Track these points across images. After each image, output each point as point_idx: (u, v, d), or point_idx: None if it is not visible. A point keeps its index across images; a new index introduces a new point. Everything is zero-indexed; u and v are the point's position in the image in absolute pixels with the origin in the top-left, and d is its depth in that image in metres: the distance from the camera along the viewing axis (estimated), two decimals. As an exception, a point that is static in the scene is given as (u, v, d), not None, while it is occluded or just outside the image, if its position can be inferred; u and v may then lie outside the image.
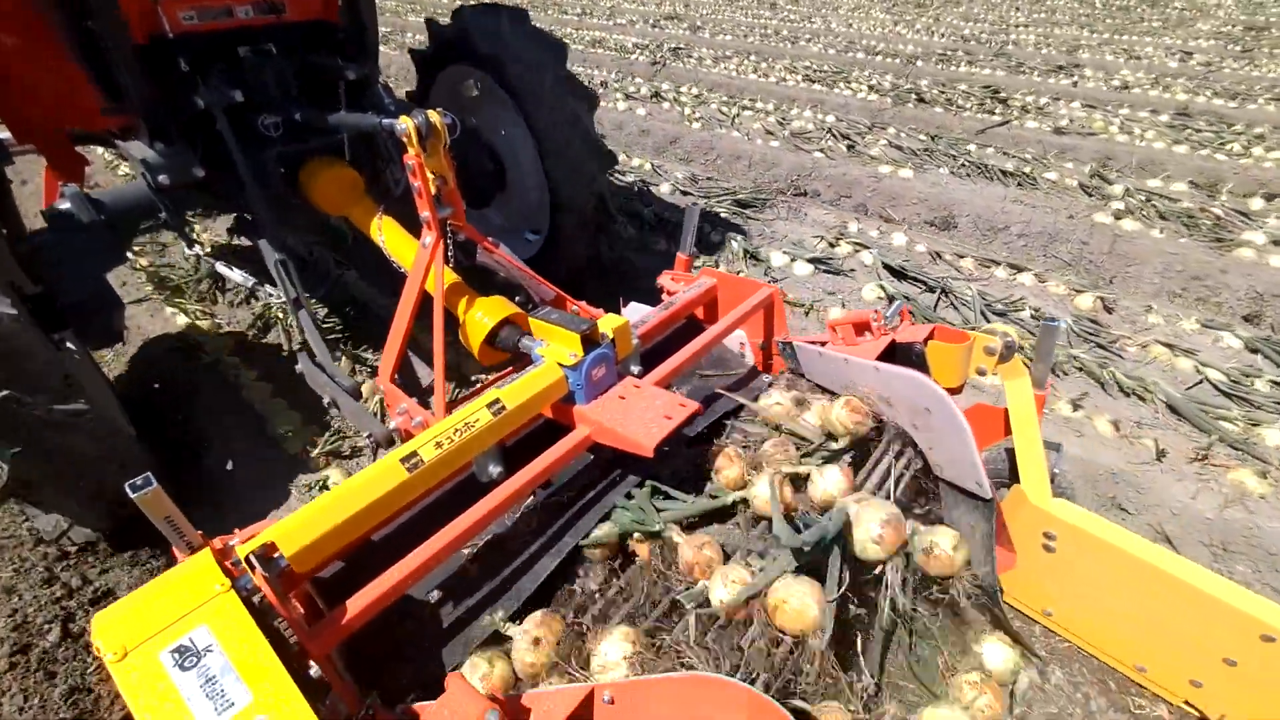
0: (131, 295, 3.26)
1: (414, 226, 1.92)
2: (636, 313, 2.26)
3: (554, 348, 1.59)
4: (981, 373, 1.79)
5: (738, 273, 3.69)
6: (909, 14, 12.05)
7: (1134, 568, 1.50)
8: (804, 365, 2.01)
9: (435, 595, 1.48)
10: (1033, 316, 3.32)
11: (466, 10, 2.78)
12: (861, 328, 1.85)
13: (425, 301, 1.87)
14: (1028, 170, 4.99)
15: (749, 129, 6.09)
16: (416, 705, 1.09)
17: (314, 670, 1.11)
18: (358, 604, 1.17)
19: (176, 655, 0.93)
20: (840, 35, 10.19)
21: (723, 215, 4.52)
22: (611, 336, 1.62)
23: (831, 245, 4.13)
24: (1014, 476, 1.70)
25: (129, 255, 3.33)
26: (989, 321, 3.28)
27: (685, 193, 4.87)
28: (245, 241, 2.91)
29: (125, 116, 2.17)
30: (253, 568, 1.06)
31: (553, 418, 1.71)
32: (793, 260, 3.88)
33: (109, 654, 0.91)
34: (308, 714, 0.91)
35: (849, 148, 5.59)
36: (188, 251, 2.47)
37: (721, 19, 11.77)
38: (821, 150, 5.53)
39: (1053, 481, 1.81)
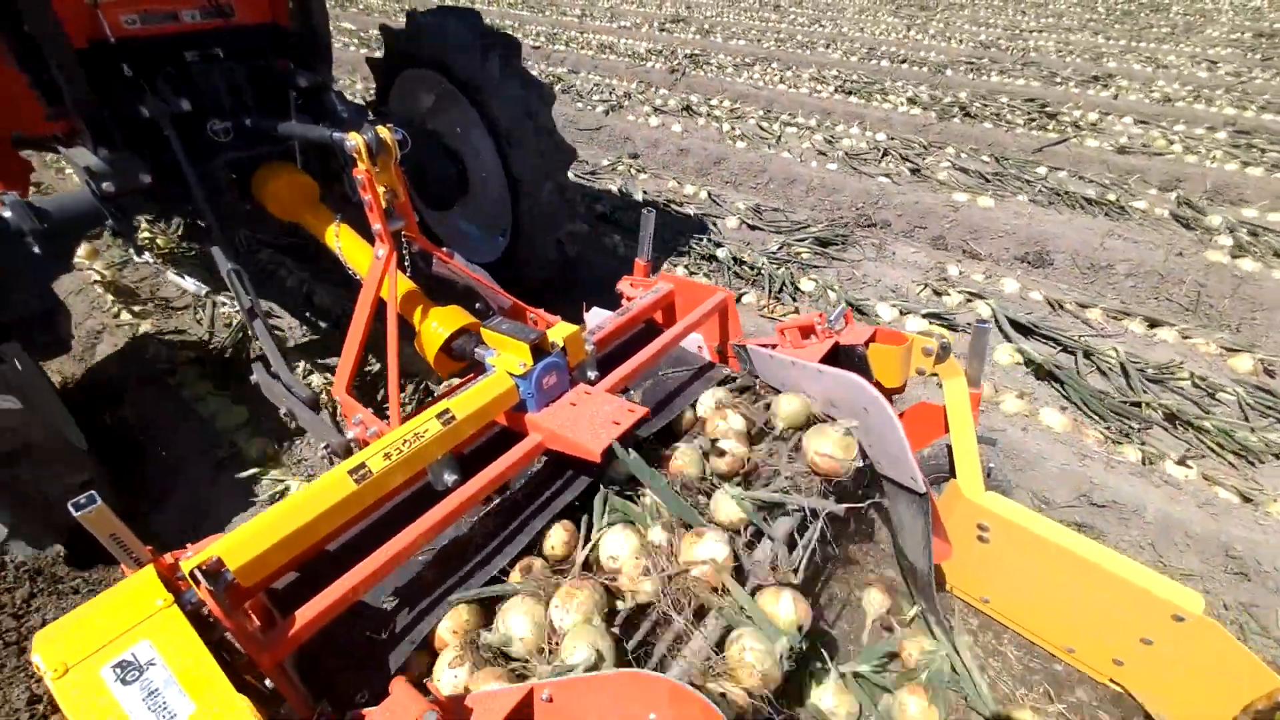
0: (87, 304, 3.20)
1: (371, 235, 1.93)
2: (598, 317, 2.30)
3: (505, 357, 1.62)
4: (921, 373, 1.87)
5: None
6: (918, 18, 11.88)
7: (1059, 556, 1.59)
8: (757, 367, 2.07)
9: (392, 602, 1.51)
10: (1194, 385, 2.93)
11: (417, 15, 2.78)
12: (807, 331, 1.91)
13: (383, 312, 1.89)
14: (1113, 198, 4.60)
15: (797, 148, 5.73)
16: (365, 710, 1.11)
17: (264, 681, 1.14)
18: (307, 614, 1.20)
19: (118, 670, 0.95)
20: (857, 41, 9.92)
21: (804, 256, 4.11)
22: (562, 345, 1.66)
23: (937, 294, 3.68)
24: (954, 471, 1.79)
25: (80, 263, 3.27)
26: (1145, 393, 2.87)
27: (754, 227, 4.48)
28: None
29: (67, 122, 2.13)
30: (197, 582, 1.07)
31: (507, 425, 1.75)
32: (903, 314, 3.42)
33: (49, 671, 0.92)
34: (250, 721, 0.93)
35: (913, 171, 5.22)
36: (137, 259, 2.43)
37: (728, 22, 11.45)
38: (887, 175, 5.14)
39: (989, 476, 1.90)
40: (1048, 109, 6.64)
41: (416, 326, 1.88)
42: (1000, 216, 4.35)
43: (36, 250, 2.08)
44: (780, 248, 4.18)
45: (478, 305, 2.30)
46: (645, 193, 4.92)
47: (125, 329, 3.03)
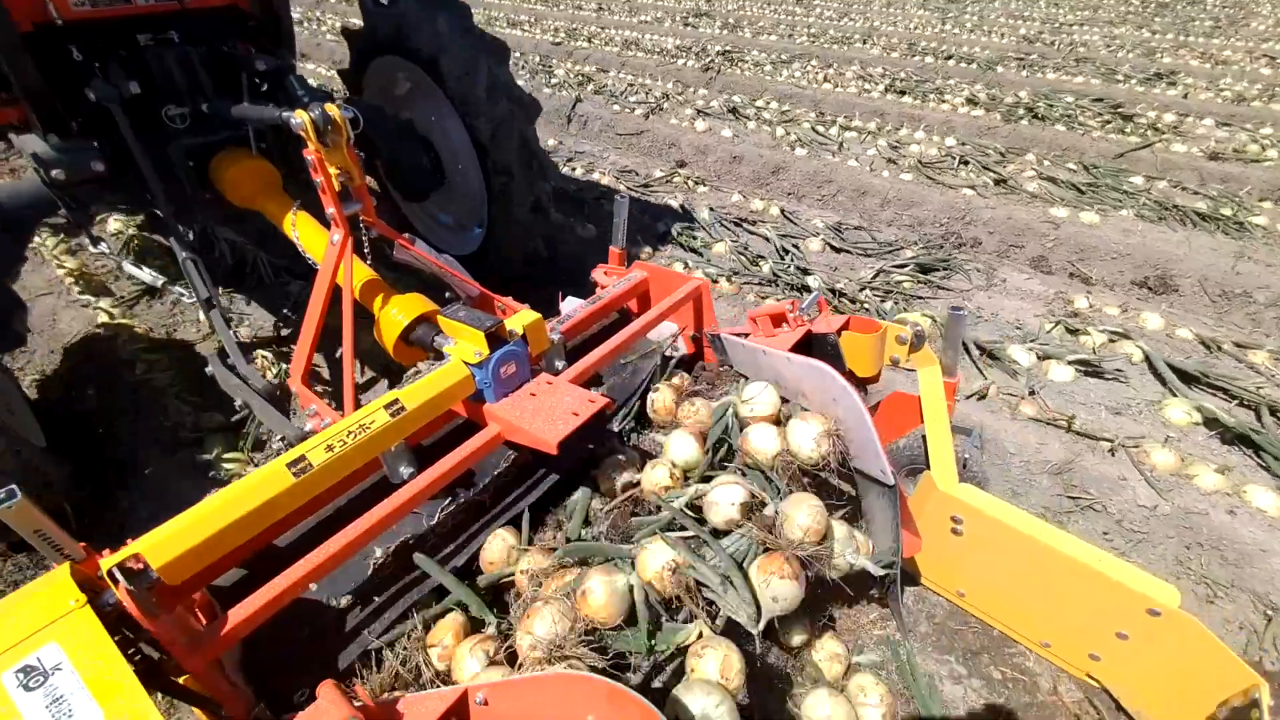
0: (51, 296, 3.13)
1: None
2: (571, 306, 2.25)
3: (461, 346, 1.56)
4: (895, 362, 1.82)
5: (986, 385, 2.79)
6: (950, 11, 11.27)
7: (1033, 548, 1.55)
8: (730, 356, 2.02)
9: (345, 600, 1.46)
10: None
11: (370, 4, 2.70)
12: (779, 319, 1.86)
13: (340, 300, 1.83)
14: (1228, 212, 4.09)
15: (862, 155, 5.27)
16: (297, 715, 1.06)
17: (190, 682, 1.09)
18: (240, 612, 1.14)
19: (21, 675, 0.89)
20: (893, 36, 9.37)
21: (905, 285, 3.62)
22: (522, 333, 1.60)
23: (1071, 332, 3.19)
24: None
25: (44, 255, 3.19)
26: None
27: (838, 249, 4.06)
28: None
29: (19, 109, 2.06)
30: (116, 581, 1.01)
31: (467, 417, 1.69)
32: (1042, 359, 2.94)
33: (-55, 677, 0.87)
34: (161, 729, 0.88)
35: (996, 181, 4.71)
36: (93, 249, 2.36)
37: (753, 16, 10.89)
38: (970, 186, 4.64)
39: (965, 467, 1.86)
40: (1121, 109, 6.10)
41: (376, 314, 1.82)
42: (1108, 235, 3.84)
43: None
44: (876, 275, 3.69)
45: (447, 295, 2.24)
46: (711, 209, 4.45)
47: (87, 320, 2.96)
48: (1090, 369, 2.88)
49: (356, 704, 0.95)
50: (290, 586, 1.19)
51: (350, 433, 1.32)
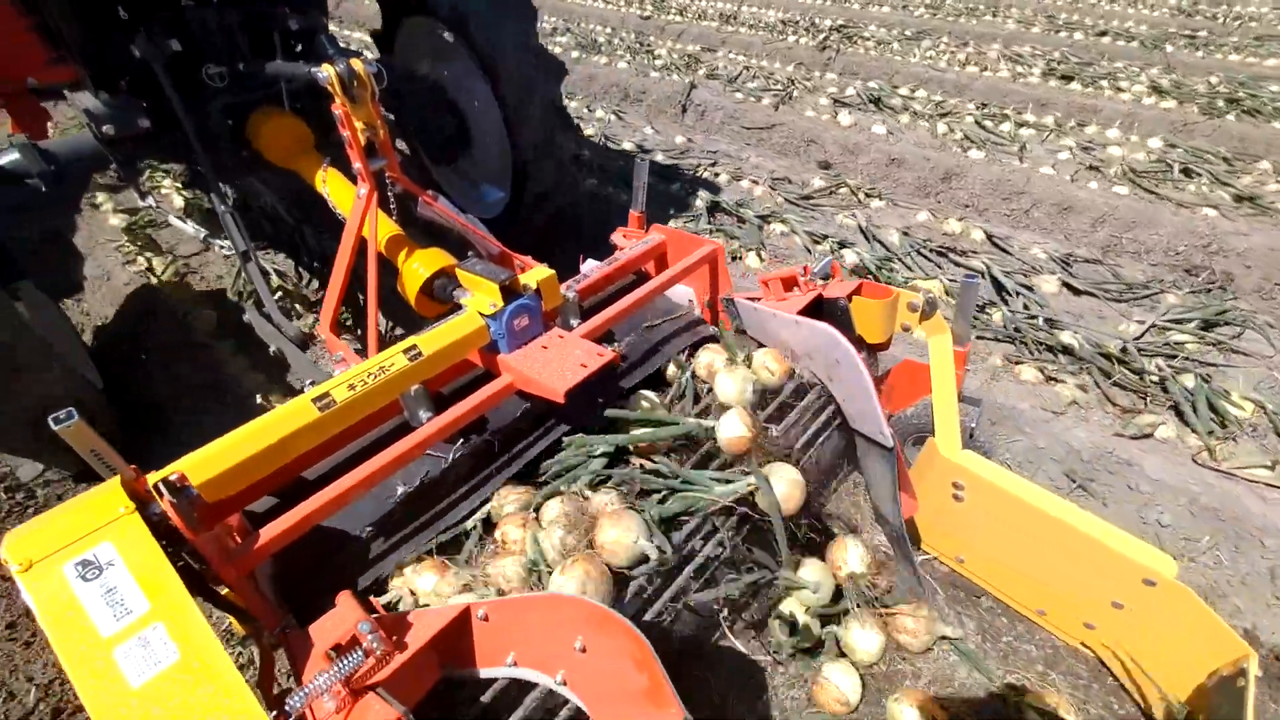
0: (104, 250, 3.32)
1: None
2: (591, 267, 2.29)
3: (477, 298, 1.63)
4: (906, 329, 1.82)
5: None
6: None
7: (1032, 516, 1.56)
8: (743, 320, 2.04)
9: (367, 531, 1.56)
10: None
11: None
12: (790, 283, 1.87)
13: (366, 251, 1.91)
14: None
15: (1051, 159, 4.48)
16: (318, 619, 1.17)
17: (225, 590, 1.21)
18: (271, 532, 1.25)
19: (80, 568, 1.01)
20: (1024, 7, 8.31)
21: (1188, 345, 2.82)
22: (535, 287, 1.65)
23: None
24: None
25: (93, 206, 3.37)
26: None
27: (1077, 290, 3.25)
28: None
29: (72, 69, 2.17)
30: (160, 494, 1.12)
31: (484, 367, 1.77)
32: None
33: (15, 565, 0.98)
34: (200, 622, 0.98)
35: (1237, 198, 3.83)
36: (141, 204, 2.49)
37: None
38: (1210, 205, 3.77)
39: (970, 436, 1.86)
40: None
41: (399, 267, 1.89)
42: None
43: (44, 190, 2.15)
44: (1146, 330, 2.91)
45: (469, 253, 2.31)
46: (905, 232, 3.73)
47: (136, 272, 3.14)
48: None
49: (371, 614, 1.04)
50: (316, 510, 1.29)
51: (371, 374, 1.40)
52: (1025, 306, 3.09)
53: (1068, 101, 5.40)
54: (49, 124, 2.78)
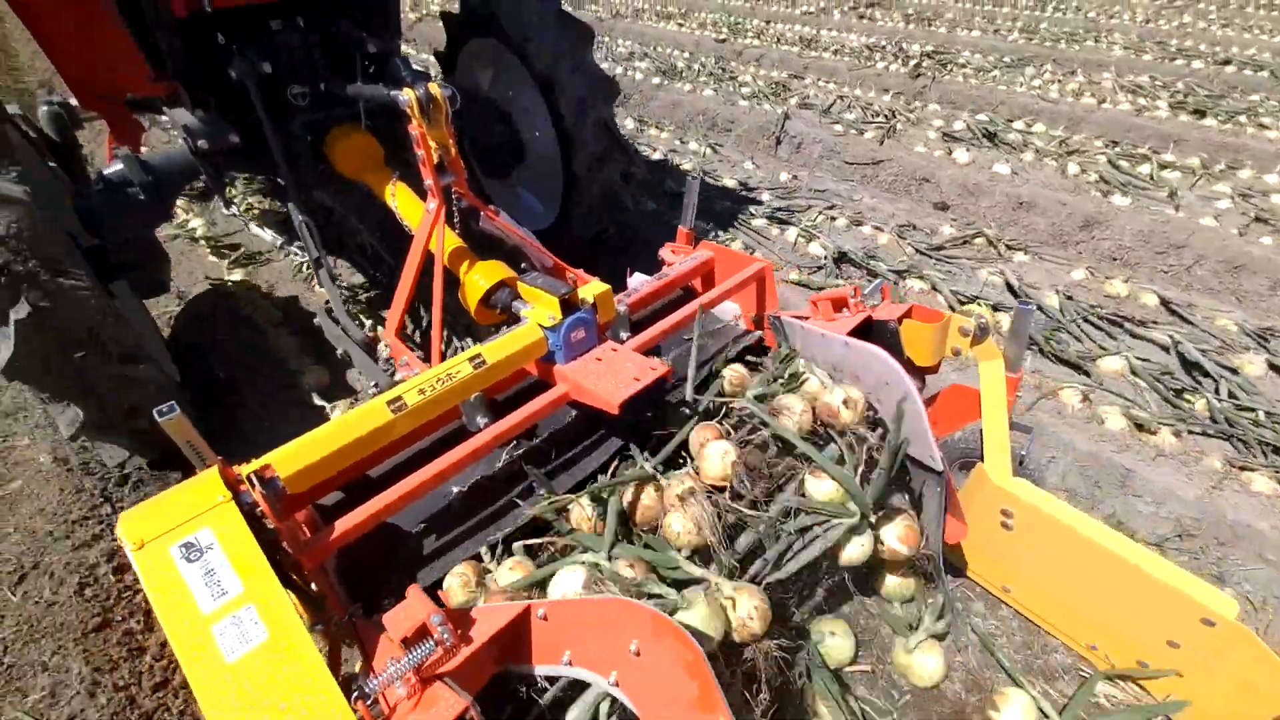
0: (180, 250, 3.56)
1: (424, 192, 2.05)
2: (639, 282, 2.36)
3: (537, 310, 1.71)
4: (956, 353, 1.82)
5: None
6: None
7: (1085, 548, 1.54)
8: (790, 338, 2.07)
9: (421, 527, 1.65)
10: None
11: None
12: (840, 304, 1.89)
13: (431, 263, 2.02)
14: None
15: (1203, 205, 4.00)
16: (390, 609, 1.25)
17: (308, 581, 1.30)
18: (343, 525, 1.34)
19: (184, 550, 1.11)
20: (1129, 31, 7.74)
21: None
22: (592, 301, 1.72)
23: None
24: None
25: (176, 213, 3.62)
26: None
27: None
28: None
29: (169, 85, 2.37)
30: (253, 485, 1.23)
31: (538, 376, 1.84)
32: None
33: (130, 544, 1.09)
34: (287, 606, 1.07)
35: None
36: (225, 212, 2.68)
37: (935, 4, 9.26)
38: None
39: (1021, 464, 1.84)
40: None
41: (461, 278, 1.99)
42: None
43: (142, 198, 2.34)
44: None
45: (523, 265, 2.41)
46: (1069, 296, 3.30)
47: (212, 275, 3.35)
48: None
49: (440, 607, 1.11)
50: (384, 508, 1.38)
51: (439, 380, 1.49)
52: (1231, 394, 2.65)
53: (1204, 139, 4.90)
54: (142, 136, 3.02)
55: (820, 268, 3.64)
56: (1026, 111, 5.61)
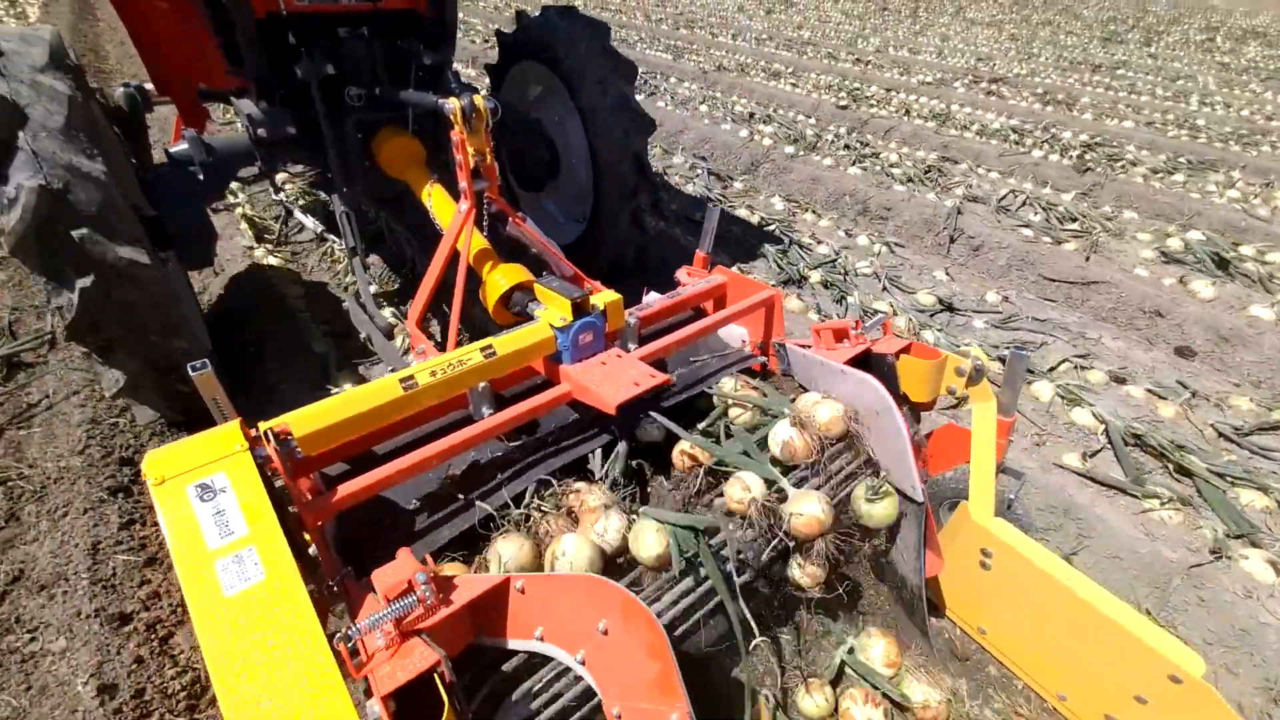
0: (222, 226, 3.76)
1: (458, 194, 2.19)
2: (653, 298, 2.46)
3: (550, 310, 1.80)
4: (951, 392, 1.87)
5: None
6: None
7: (1058, 594, 1.55)
8: (791, 364, 2.14)
9: (415, 504, 1.72)
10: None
11: (524, 14, 3.08)
12: (841, 334, 1.96)
13: (456, 261, 2.14)
14: None
15: None
16: (379, 568, 1.32)
17: (306, 541, 1.38)
18: (343, 491, 1.42)
19: (200, 489, 1.20)
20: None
21: None
22: (602, 308, 1.82)
23: None
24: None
25: (229, 196, 3.84)
26: None
27: None
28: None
29: (241, 79, 2.57)
30: (268, 440, 1.32)
31: (544, 375, 1.93)
32: None
33: (151, 479, 1.19)
34: (285, 552, 1.15)
35: None
36: (273, 197, 2.86)
37: (1071, 87, 8.34)
38: None
39: (1008, 509, 1.87)
40: None
41: (483, 277, 2.11)
42: None
43: (201, 178, 2.52)
44: None
45: (544, 272, 2.53)
46: None
47: (251, 255, 3.54)
48: None
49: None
50: (385, 479, 1.46)
51: (451, 365, 1.59)
52: None
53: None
54: (207, 122, 3.24)
55: (1097, 450, 2.63)
56: (1230, 227, 4.60)
